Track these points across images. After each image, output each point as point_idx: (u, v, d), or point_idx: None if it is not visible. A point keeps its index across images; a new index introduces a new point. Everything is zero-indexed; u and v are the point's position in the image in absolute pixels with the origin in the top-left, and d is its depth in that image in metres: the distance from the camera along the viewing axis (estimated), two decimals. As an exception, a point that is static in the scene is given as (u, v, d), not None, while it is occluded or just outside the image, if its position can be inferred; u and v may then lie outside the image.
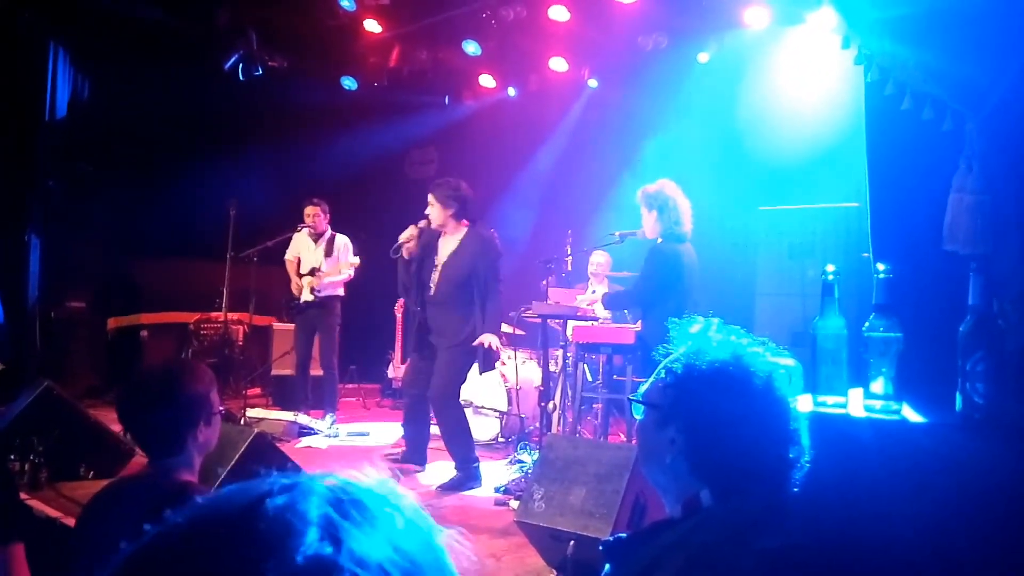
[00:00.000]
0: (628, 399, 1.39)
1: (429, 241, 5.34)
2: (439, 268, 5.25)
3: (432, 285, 5.25)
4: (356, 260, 6.73)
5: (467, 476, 5.12)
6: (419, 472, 5.38)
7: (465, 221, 5.30)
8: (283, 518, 0.49)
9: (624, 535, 1.43)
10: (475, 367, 5.20)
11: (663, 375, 1.38)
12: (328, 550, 0.47)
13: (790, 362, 1.35)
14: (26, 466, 4.24)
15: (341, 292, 6.87)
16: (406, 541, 0.53)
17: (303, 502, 0.50)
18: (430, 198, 5.26)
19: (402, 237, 5.31)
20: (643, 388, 1.45)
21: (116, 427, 4.63)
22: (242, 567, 0.46)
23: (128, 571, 0.49)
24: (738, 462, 1.28)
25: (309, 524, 0.48)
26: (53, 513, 3.73)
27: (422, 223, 5.31)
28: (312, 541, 0.47)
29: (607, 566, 1.40)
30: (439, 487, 5.04)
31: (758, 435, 1.28)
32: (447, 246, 5.28)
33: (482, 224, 5.45)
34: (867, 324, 1.70)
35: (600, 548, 1.41)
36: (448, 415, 5.17)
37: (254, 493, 0.51)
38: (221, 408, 2.14)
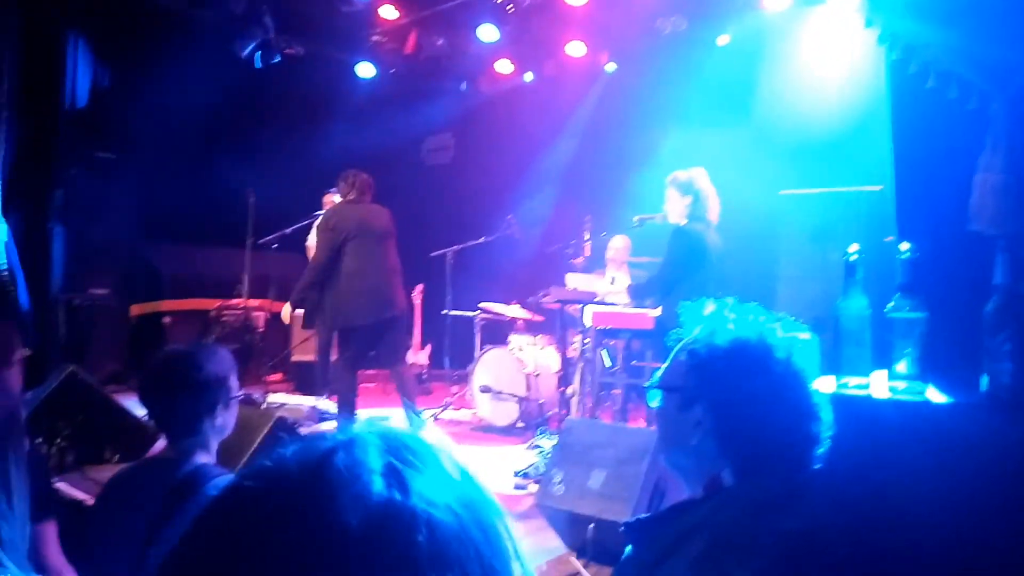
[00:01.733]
0: (644, 387, 1.37)
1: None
2: None
3: None
4: None
5: None
6: None
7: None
8: (352, 471, 0.51)
9: (645, 516, 1.43)
10: None
11: (683, 357, 1.37)
12: (398, 496, 0.51)
13: (807, 336, 1.34)
14: (52, 449, 4.30)
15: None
16: (458, 481, 0.56)
17: (364, 454, 0.53)
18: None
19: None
20: (659, 374, 1.44)
21: (140, 412, 4.69)
22: (323, 520, 0.49)
23: (204, 528, 0.52)
24: (765, 438, 1.27)
25: (374, 473, 0.52)
26: (80, 495, 3.78)
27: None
28: (381, 489, 0.51)
29: (629, 547, 1.40)
30: None
31: (783, 410, 1.28)
32: None
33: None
34: (891, 304, 1.68)
35: (621, 529, 1.41)
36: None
37: (318, 451, 0.54)
38: (240, 393, 2.16)
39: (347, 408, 5.52)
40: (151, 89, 7.06)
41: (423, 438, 0.59)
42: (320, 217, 6.05)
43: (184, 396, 1.98)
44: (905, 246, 1.70)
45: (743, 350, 1.30)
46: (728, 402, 1.30)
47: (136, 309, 7.88)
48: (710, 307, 1.41)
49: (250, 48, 7.20)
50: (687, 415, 1.33)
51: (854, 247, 1.73)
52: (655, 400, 1.44)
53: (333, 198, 6.89)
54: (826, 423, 1.29)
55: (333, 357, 6.99)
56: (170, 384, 2.00)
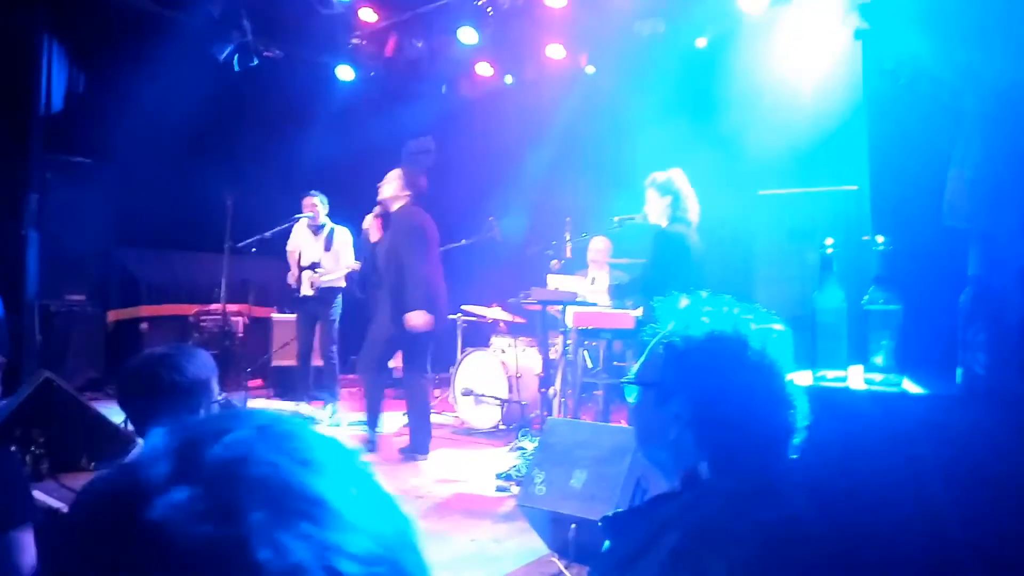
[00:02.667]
0: (621, 383, 1.35)
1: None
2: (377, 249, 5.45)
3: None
4: (356, 264, 6.73)
5: (415, 445, 5.48)
6: (422, 460, 5.40)
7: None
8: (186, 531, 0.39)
9: (623, 510, 1.42)
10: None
11: (660, 351, 1.37)
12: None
13: (779, 327, 1.34)
14: (27, 457, 4.24)
15: (343, 283, 6.86)
16: (373, 525, 0.45)
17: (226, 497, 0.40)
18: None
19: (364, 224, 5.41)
20: (635, 369, 1.43)
21: (117, 418, 4.64)
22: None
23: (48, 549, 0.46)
24: (743, 429, 1.27)
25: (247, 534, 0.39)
26: (55, 504, 3.73)
27: (376, 209, 5.38)
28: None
29: (607, 542, 1.39)
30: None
31: (759, 401, 1.28)
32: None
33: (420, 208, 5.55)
34: (867, 297, 1.69)
35: (599, 524, 1.40)
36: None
37: (140, 480, 0.42)
38: (221, 396, 2.13)
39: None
40: (127, 93, 6.99)
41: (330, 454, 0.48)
42: None
43: (165, 400, 1.93)
44: (881, 239, 1.71)
45: (719, 342, 1.30)
46: (706, 395, 1.29)
47: (113, 315, 7.79)
48: (684, 301, 1.40)
49: (228, 51, 7.17)
50: (665, 409, 1.33)
51: (829, 241, 1.73)
52: (632, 396, 1.43)
53: (314, 200, 6.86)
54: (802, 413, 1.29)
55: (316, 363, 6.95)
56: (151, 388, 1.95)
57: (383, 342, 5.46)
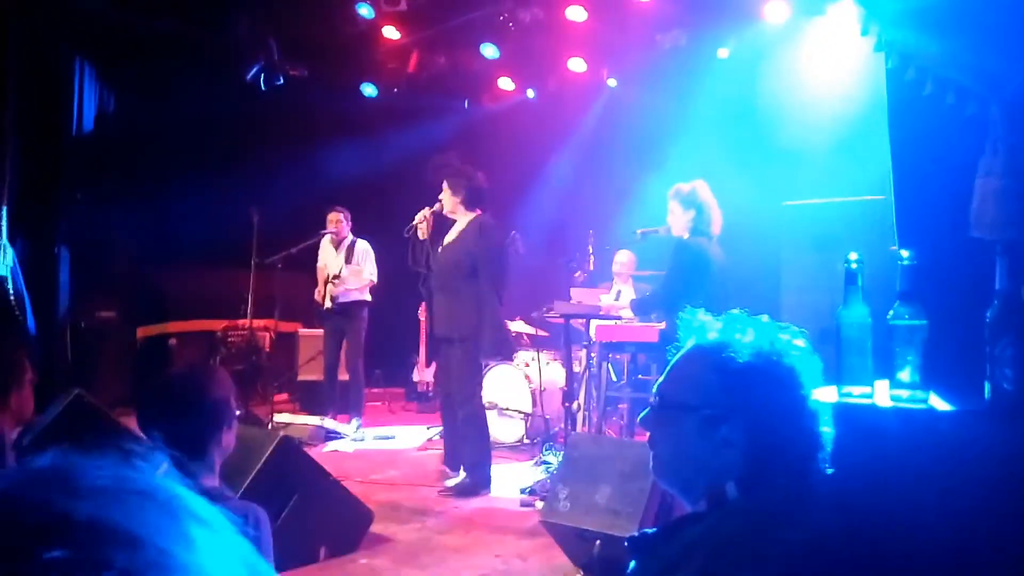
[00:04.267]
0: (654, 408, 1.25)
1: (441, 228, 5.33)
2: (439, 252, 5.23)
3: (434, 270, 5.24)
4: (372, 279, 6.79)
5: (475, 482, 5.01)
6: (451, 478, 5.26)
7: (478, 210, 5.25)
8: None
9: (649, 530, 1.41)
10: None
11: (710, 375, 1.29)
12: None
13: (802, 342, 1.32)
14: (58, 473, 4.29)
15: (368, 297, 6.91)
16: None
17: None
18: (443, 184, 5.25)
19: (416, 218, 5.30)
20: (665, 390, 1.35)
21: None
22: None
23: None
24: (783, 449, 1.25)
25: None
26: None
27: (435, 206, 5.30)
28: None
29: (632, 562, 1.38)
30: (442, 491, 5.00)
31: (798, 418, 1.26)
32: (452, 233, 5.27)
33: (491, 214, 5.39)
34: (892, 312, 1.67)
35: (625, 544, 1.39)
36: (463, 414, 5.08)
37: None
38: (238, 411, 2.16)
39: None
40: (156, 112, 7.13)
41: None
42: None
43: (190, 420, 1.96)
44: (905, 253, 1.69)
45: (765, 361, 1.27)
46: (760, 419, 1.25)
47: (142, 331, 7.91)
48: (715, 319, 1.36)
49: (254, 70, 7.27)
50: (713, 435, 1.26)
51: (854, 255, 1.71)
52: (658, 420, 1.35)
53: (338, 215, 6.93)
54: (827, 429, 1.28)
55: (342, 377, 6.99)
56: (176, 409, 1.98)
57: None
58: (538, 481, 4.97)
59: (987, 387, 1.57)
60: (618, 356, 5.83)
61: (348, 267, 6.83)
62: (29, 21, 6.42)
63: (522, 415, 6.35)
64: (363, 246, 6.91)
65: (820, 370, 1.31)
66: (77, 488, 0.41)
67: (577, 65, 7.73)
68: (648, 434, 1.40)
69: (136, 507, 0.42)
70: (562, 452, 5.04)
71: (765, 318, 1.36)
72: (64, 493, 0.41)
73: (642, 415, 1.41)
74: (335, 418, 6.78)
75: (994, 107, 2.01)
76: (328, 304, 6.78)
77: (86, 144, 7.27)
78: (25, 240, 6.52)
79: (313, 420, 6.73)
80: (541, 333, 7.00)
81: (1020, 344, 1.51)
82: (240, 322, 7.73)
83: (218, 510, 0.47)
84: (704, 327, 1.36)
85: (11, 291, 5.93)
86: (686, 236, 4.77)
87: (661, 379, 1.39)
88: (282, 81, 7.43)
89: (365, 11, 7.04)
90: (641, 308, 5.27)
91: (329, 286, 6.79)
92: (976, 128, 2.01)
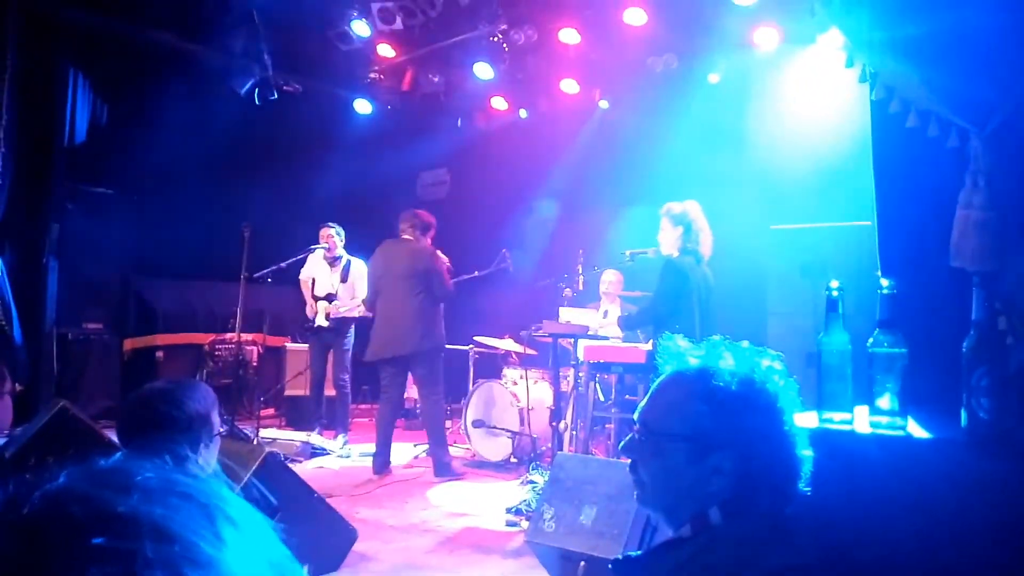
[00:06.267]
0: (639, 435, 1.22)
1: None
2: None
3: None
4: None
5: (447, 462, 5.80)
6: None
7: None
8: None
9: (634, 553, 1.42)
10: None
11: (698, 404, 1.28)
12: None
13: (779, 365, 1.33)
14: (41, 485, 4.26)
15: (356, 314, 6.91)
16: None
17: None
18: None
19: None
20: (659, 422, 1.32)
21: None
22: None
23: None
24: (768, 475, 1.27)
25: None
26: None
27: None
28: None
29: (617, 584, 1.39)
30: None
31: (781, 444, 1.28)
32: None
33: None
34: (871, 340, 1.70)
35: (609, 567, 1.39)
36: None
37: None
38: (223, 428, 2.13)
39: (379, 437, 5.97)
40: (149, 125, 7.13)
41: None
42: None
43: (166, 435, 1.92)
44: (885, 282, 1.72)
45: (752, 390, 1.27)
46: (751, 446, 1.25)
47: (129, 344, 7.87)
48: (695, 346, 1.36)
49: (248, 85, 7.29)
50: (703, 463, 1.26)
51: (835, 283, 1.74)
52: (645, 449, 1.33)
53: (331, 232, 6.94)
54: (807, 452, 1.30)
55: (329, 392, 6.98)
56: (152, 424, 1.94)
57: None
58: (524, 500, 4.97)
59: (964, 415, 1.60)
60: (606, 376, 5.84)
61: (343, 287, 6.84)
62: (23, 32, 6.44)
63: (509, 434, 6.34)
64: (359, 269, 6.85)
65: (798, 393, 1.32)
66: (128, 486, 0.49)
67: (569, 86, 7.81)
68: (630, 460, 1.40)
69: (175, 506, 0.49)
70: (548, 472, 5.04)
71: (745, 343, 1.37)
72: (116, 490, 0.49)
73: (624, 442, 1.40)
74: (321, 434, 6.76)
75: (975, 141, 2.05)
76: (322, 322, 6.78)
77: (78, 155, 7.27)
78: (14, 250, 6.51)
79: (300, 436, 6.70)
80: (529, 351, 7.01)
81: (996, 374, 1.54)
82: (228, 336, 7.71)
83: (260, 516, 0.55)
84: (683, 354, 1.35)
85: (-1, 301, 5.91)
86: (675, 255, 4.81)
87: (643, 405, 1.38)
88: (276, 96, 7.46)
89: (361, 29, 7.10)
90: (628, 324, 5.31)
91: (324, 304, 6.78)
92: (957, 160, 2.05)
